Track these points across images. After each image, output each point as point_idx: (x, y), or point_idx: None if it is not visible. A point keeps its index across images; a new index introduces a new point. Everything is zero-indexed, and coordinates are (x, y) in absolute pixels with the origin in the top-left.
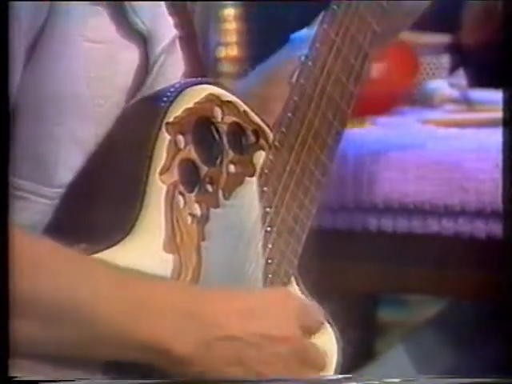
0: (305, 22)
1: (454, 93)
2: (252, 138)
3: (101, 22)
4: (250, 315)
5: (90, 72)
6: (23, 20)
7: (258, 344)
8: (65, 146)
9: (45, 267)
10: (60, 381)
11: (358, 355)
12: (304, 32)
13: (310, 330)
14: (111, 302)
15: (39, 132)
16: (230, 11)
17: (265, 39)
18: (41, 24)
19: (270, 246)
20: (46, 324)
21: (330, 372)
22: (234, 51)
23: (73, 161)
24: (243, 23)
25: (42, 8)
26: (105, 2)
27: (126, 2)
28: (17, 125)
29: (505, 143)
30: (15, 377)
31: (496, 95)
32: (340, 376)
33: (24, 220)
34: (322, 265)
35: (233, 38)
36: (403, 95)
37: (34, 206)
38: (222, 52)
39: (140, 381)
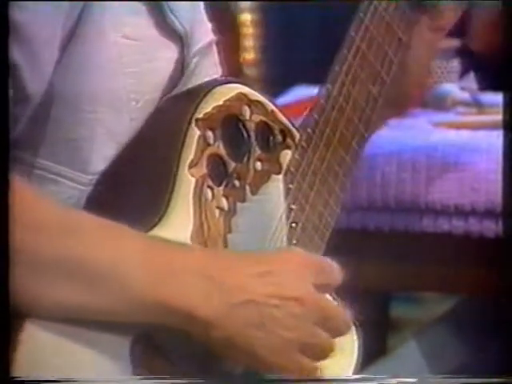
0: (319, 27)
1: (465, 96)
2: (279, 137)
3: (139, 20)
4: (268, 279)
5: (126, 67)
6: (59, 11)
7: (275, 305)
8: (98, 135)
9: (72, 230)
10: (61, 381)
11: (371, 351)
12: None
13: (326, 286)
14: (136, 265)
15: (74, 119)
16: (247, 16)
17: (281, 44)
18: (75, 18)
19: (294, 241)
20: (73, 285)
21: (353, 356)
22: (251, 55)
23: (106, 150)
24: (260, 28)
25: (77, 3)
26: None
27: (164, 2)
28: (52, 109)
29: (505, 145)
30: (17, 377)
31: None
32: (348, 377)
33: None
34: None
35: (250, 42)
36: (415, 98)
37: (67, 190)
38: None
39: (142, 378)
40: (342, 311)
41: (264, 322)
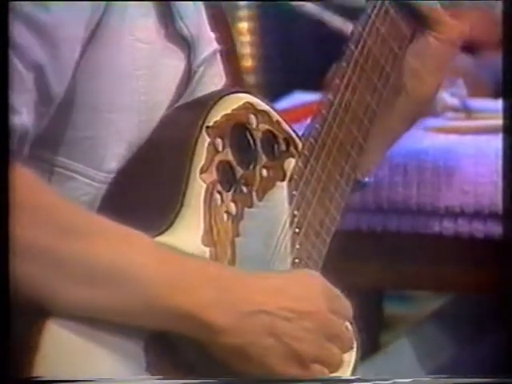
0: (317, 36)
1: (455, 102)
2: (283, 146)
3: (149, 24)
4: (281, 292)
5: (137, 70)
6: (83, 13)
7: (287, 318)
8: (111, 134)
9: (91, 232)
10: (62, 381)
11: (365, 348)
12: None
13: (336, 310)
14: (151, 270)
15: (91, 119)
16: (244, 24)
17: (278, 52)
18: (97, 20)
19: (297, 246)
20: (87, 286)
21: (353, 354)
22: (248, 62)
23: (117, 150)
24: (257, 36)
25: (99, 5)
26: (154, 5)
27: (173, 8)
28: (72, 111)
29: (505, 149)
30: (17, 377)
31: (494, 104)
32: (343, 377)
33: (72, 200)
34: (331, 263)
35: (247, 49)
36: None
37: (82, 187)
38: None
39: (149, 378)
40: (349, 331)
41: (275, 332)
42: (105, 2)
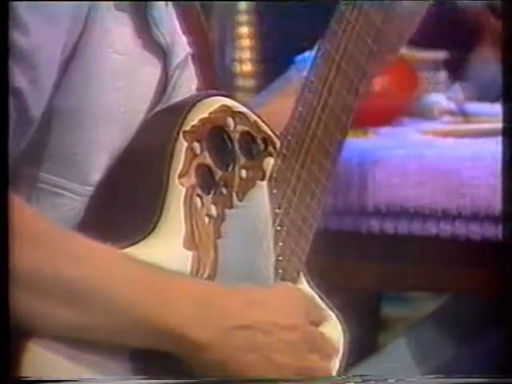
0: (317, 39)
1: (451, 105)
2: (261, 146)
3: (126, 34)
4: (262, 307)
5: (116, 82)
6: (61, 34)
7: (269, 332)
8: (95, 148)
9: (69, 254)
10: (62, 381)
11: (363, 348)
12: (307, 54)
13: (316, 322)
14: (130, 287)
15: (74, 134)
16: (244, 29)
17: (277, 55)
18: (75, 40)
19: (280, 243)
20: (67, 305)
21: (337, 361)
22: (248, 67)
23: (100, 161)
24: (257, 40)
25: (77, 25)
26: (130, 14)
27: (149, 16)
28: (52, 127)
29: (504, 152)
30: (18, 376)
31: (490, 108)
32: (339, 377)
33: (59, 216)
34: (330, 264)
35: (247, 54)
36: (404, 108)
37: (68, 202)
38: (237, 68)
39: (147, 378)
40: (331, 341)
41: (257, 346)
42: (82, 21)
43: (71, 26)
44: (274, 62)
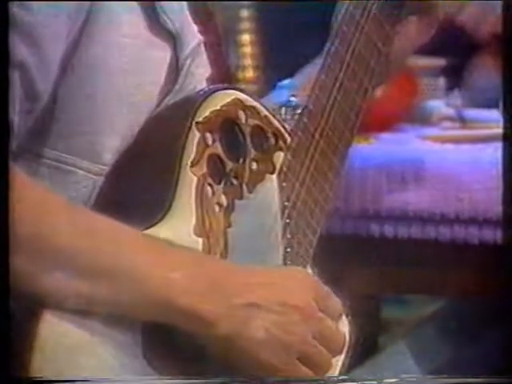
0: (319, 47)
1: (450, 112)
2: (272, 140)
3: (134, 19)
4: (272, 286)
5: (125, 65)
6: (65, 13)
7: (277, 311)
8: (105, 128)
9: (78, 226)
10: (62, 381)
11: (363, 350)
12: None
13: (327, 311)
14: (146, 264)
15: (85, 114)
16: (246, 36)
17: (279, 62)
18: (83, 18)
19: (288, 236)
20: (81, 278)
21: (339, 359)
22: (250, 73)
23: (111, 142)
24: (259, 47)
25: (84, 3)
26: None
27: (156, 2)
28: (66, 108)
29: (504, 157)
30: (18, 376)
31: (489, 114)
32: (337, 377)
33: (73, 193)
34: (330, 267)
35: (249, 61)
36: (404, 114)
37: (82, 180)
38: (240, 74)
39: (148, 378)
40: (340, 332)
41: (265, 324)
42: (88, 4)
43: (76, 9)
44: (275, 69)
